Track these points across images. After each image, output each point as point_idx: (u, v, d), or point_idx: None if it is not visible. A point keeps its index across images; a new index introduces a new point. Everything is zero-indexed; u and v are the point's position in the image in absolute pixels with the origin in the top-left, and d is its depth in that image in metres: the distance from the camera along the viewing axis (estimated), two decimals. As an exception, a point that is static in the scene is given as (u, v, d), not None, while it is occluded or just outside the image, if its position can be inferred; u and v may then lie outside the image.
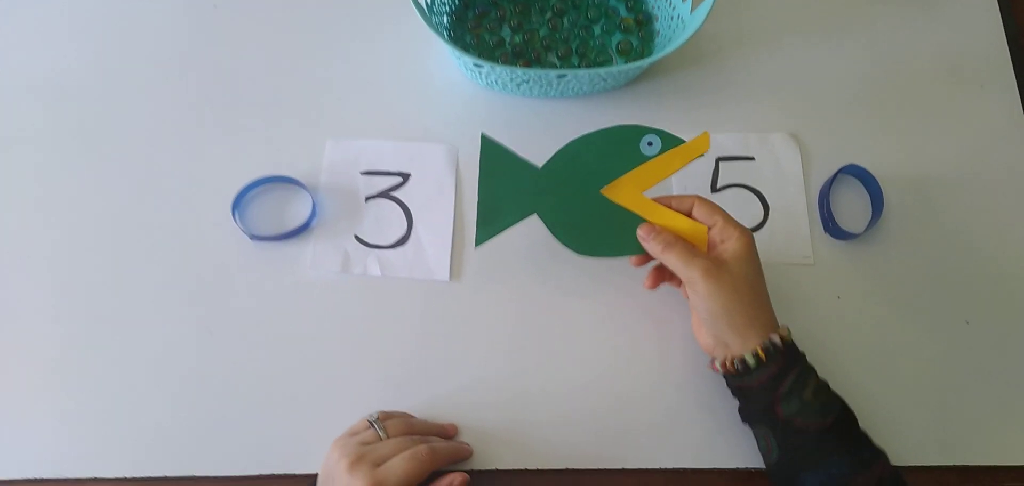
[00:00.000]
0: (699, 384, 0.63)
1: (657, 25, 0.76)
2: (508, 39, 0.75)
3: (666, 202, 0.59)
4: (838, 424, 0.55)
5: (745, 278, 0.56)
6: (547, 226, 0.59)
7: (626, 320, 0.65)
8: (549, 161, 0.60)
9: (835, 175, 0.69)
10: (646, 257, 0.60)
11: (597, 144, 0.59)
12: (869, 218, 0.69)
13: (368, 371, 0.63)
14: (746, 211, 0.69)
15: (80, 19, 0.76)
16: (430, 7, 0.71)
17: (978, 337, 0.65)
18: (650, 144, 0.59)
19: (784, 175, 0.71)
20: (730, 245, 0.56)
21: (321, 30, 0.76)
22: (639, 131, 0.59)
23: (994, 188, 0.71)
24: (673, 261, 0.57)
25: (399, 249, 0.68)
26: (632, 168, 0.59)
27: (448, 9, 0.76)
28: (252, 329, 0.64)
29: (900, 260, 0.68)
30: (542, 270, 0.67)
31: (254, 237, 0.67)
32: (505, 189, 0.60)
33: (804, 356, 0.57)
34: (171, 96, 0.72)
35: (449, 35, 0.75)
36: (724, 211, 0.58)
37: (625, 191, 0.59)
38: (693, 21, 0.68)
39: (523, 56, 0.74)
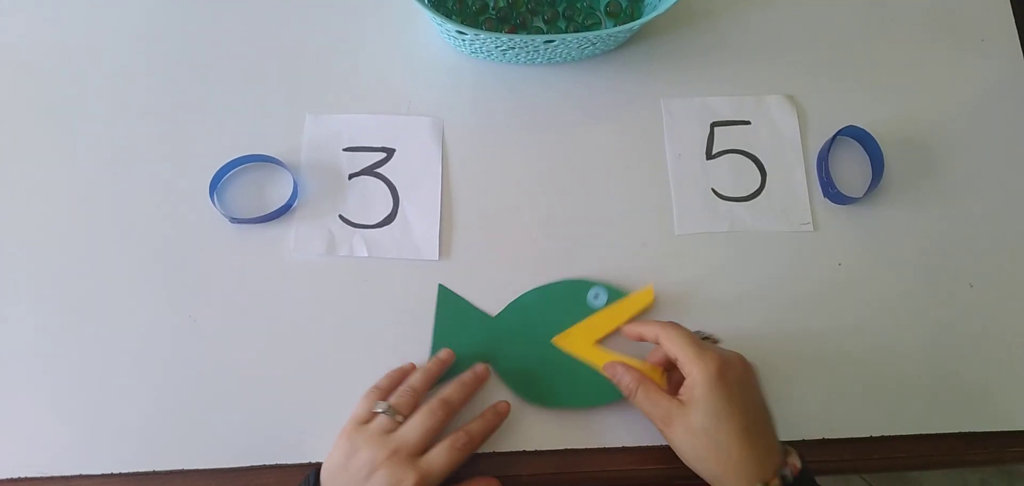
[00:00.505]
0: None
1: (647, -15, 0.73)
2: (492, 4, 0.73)
3: (637, 334, 0.57)
4: None
5: (715, 417, 0.50)
6: (501, 375, 0.60)
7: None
8: (503, 312, 0.62)
9: (834, 137, 0.67)
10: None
11: (548, 297, 0.62)
12: (869, 181, 0.67)
13: (357, 354, 0.61)
14: (742, 178, 0.67)
15: (45, -5, 0.72)
16: (410, -27, 0.68)
17: (982, 300, 0.64)
18: (596, 297, 0.62)
19: (781, 139, 0.68)
20: (690, 384, 0.52)
21: (298, 1, 0.72)
22: (585, 285, 0.62)
23: (997, 146, 0.69)
24: (641, 406, 0.54)
25: (385, 228, 0.65)
26: (581, 319, 0.61)
27: (429, -26, 0.73)
28: (235, 315, 0.62)
29: (902, 224, 0.66)
30: (532, 245, 0.65)
31: (234, 220, 0.64)
32: (460, 338, 0.61)
33: None
34: (141, 71, 0.69)
35: (429, 2, 0.72)
36: (693, 339, 0.53)
37: (576, 341, 0.61)
38: (685, -20, 0.65)
39: (508, 21, 0.72)
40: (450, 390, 0.56)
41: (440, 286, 0.62)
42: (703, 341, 0.54)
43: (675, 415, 0.52)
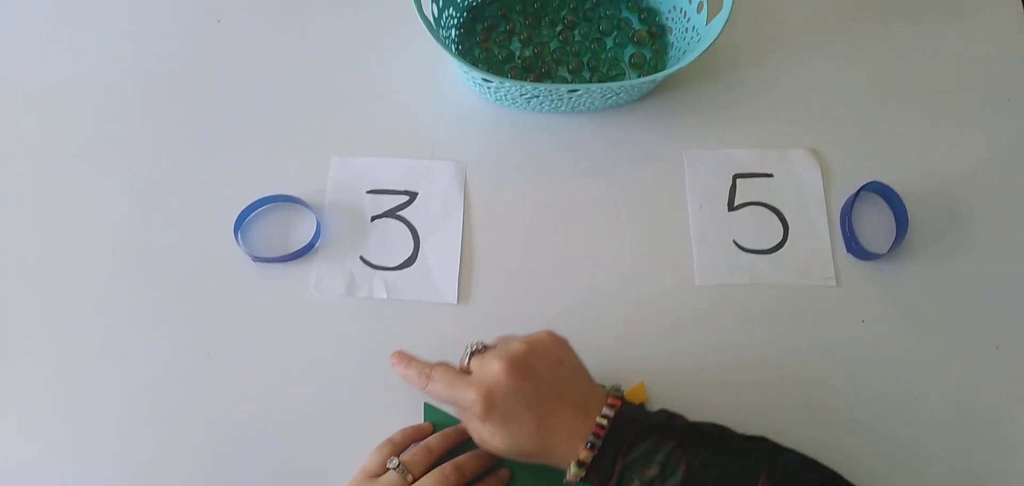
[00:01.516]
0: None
1: (671, 37, 0.73)
2: (518, 53, 0.73)
3: (403, 374, 0.57)
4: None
5: (503, 430, 0.51)
6: None
7: (638, 347, 0.63)
8: None
9: (858, 192, 0.67)
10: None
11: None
12: (893, 237, 0.66)
13: (374, 396, 0.61)
14: (765, 231, 0.67)
15: (83, 30, 0.74)
16: (438, 21, 0.69)
17: (1008, 362, 0.63)
18: None
19: (804, 192, 0.68)
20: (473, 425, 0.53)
21: (326, 46, 0.74)
22: None
23: (1023, 205, 0.68)
24: (438, 396, 0.54)
25: (405, 271, 0.65)
26: None
27: (456, 22, 0.74)
28: (254, 354, 0.62)
29: (927, 282, 0.65)
30: (551, 292, 0.65)
31: (256, 258, 0.65)
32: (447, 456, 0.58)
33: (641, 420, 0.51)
34: (173, 112, 0.71)
35: (457, 49, 0.73)
36: (453, 380, 0.53)
37: None
38: (708, 33, 0.66)
39: (533, 70, 0.72)
40: (465, 458, 0.56)
41: (425, 405, 0.60)
42: (474, 354, 0.54)
43: (477, 430, 0.52)
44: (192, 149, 0.69)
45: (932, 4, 0.77)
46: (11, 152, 0.69)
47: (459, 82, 0.72)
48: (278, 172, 0.68)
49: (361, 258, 0.66)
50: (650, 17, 0.75)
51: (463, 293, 0.64)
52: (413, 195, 0.68)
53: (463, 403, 0.52)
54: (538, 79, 0.72)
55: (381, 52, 0.74)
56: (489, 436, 0.51)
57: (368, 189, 0.68)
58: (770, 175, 0.69)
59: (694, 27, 0.70)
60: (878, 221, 0.68)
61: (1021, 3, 0.77)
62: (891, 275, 0.65)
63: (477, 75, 0.64)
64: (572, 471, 0.49)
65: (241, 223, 0.66)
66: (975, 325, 0.64)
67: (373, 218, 0.67)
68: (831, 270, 0.65)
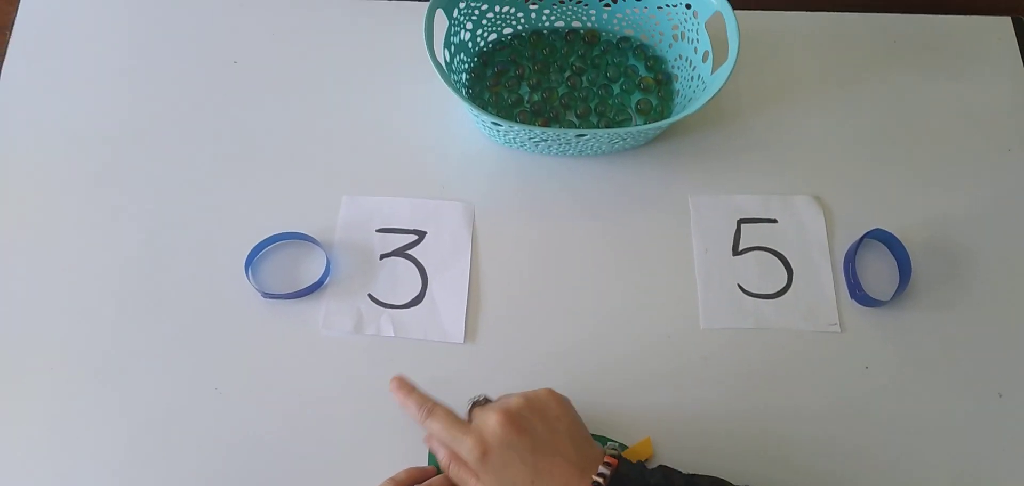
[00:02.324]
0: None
1: (677, 85, 0.75)
2: (527, 97, 0.75)
3: (401, 402, 0.58)
4: None
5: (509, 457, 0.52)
6: None
7: (643, 388, 0.64)
8: None
9: (861, 239, 0.67)
10: None
11: None
12: (896, 285, 0.67)
13: (381, 434, 0.61)
14: (769, 275, 0.68)
15: (102, 70, 0.76)
16: (449, 65, 0.71)
17: (1011, 411, 0.63)
18: None
19: (808, 239, 0.69)
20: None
21: (339, 87, 0.75)
22: None
23: (1026, 255, 0.69)
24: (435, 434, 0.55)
25: (413, 309, 0.66)
26: None
27: (467, 67, 0.75)
28: (262, 389, 0.63)
29: (929, 329, 0.66)
30: (558, 333, 0.65)
31: (266, 295, 0.66)
32: None
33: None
34: (188, 150, 0.72)
35: (468, 93, 0.75)
36: (452, 425, 0.54)
37: None
38: (713, 82, 0.67)
39: (542, 114, 0.74)
40: None
41: (430, 454, 0.60)
42: (476, 405, 0.56)
43: (468, 481, 0.54)
44: (206, 186, 0.71)
45: (934, 57, 0.78)
46: (31, 187, 0.70)
47: (469, 125, 0.74)
48: (290, 210, 0.69)
49: (369, 296, 0.67)
50: (656, 65, 0.76)
51: (470, 332, 0.65)
52: (422, 234, 0.69)
53: (459, 448, 0.53)
54: (546, 123, 0.73)
55: (393, 94, 0.75)
56: (482, 484, 0.52)
57: (378, 228, 0.69)
58: (774, 221, 0.70)
59: (700, 76, 0.71)
60: (881, 268, 0.68)
61: (1021, 57, 0.78)
62: (894, 322, 0.66)
63: (487, 119, 0.65)
64: None
65: (252, 259, 0.67)
66: (978, 373, 0.64)
67: (382, 256, 0.68)
68: (835, 316, 0.66)
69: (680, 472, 0.53)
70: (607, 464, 0.51)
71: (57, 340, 0.64)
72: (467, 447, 0.52)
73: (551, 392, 0.55)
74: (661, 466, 0.54)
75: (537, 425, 0.53)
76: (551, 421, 0.53)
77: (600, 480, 0.50)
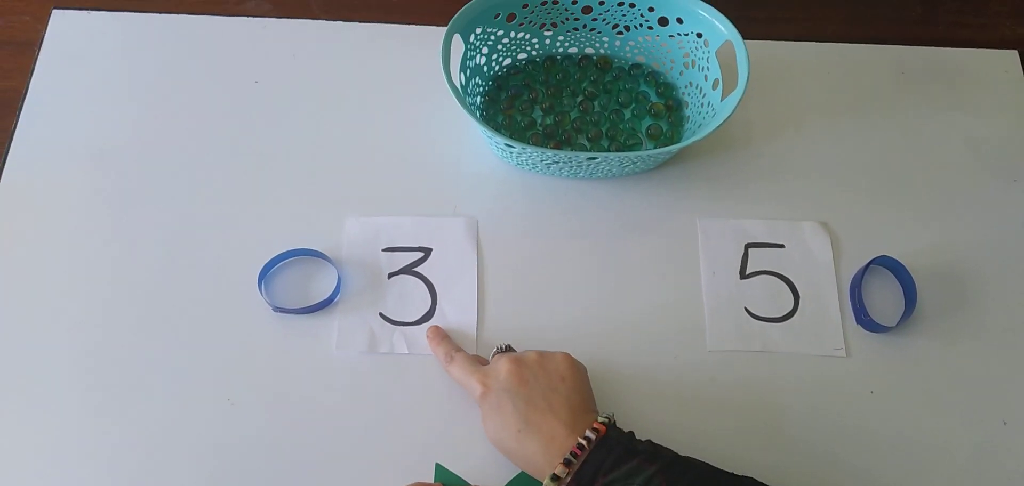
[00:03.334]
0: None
1: (687, 111, 0.76)
2: (539, 121, 0.77)
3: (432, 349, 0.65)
4: None
5: (495, 425, 0.56)
6: None
7: (652, 402, 0.64)
8: None
9: (867, 266, 0.68)
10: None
11: None
12: (902, 311, 0.68)
13: (394, 449, 0.62)
14: (776, 299, 0.68)
15: (126, 87, 0.78)
16: (464, 88, 0.73)
17: (1016, 438, 0.64)
18: None
19: (815, 264, 0.70)
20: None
21: (356, 108, 0.77)
22: None
23: (1031, 285, 0.70)
24: (454, 379, 0.62)
25: (424, 325, 0.67)
26: None
27: (481, 90, 0.77)
28: (274, 401, 0.64)
29: (934, 355, 0.66)
30: (571, 343, 0.66)
31: (277, 309, 0.67)
32: None
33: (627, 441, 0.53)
34: (208, 166, 0.74)
35: (481, 115, 0.76)
36: (468, 367, 0.60)
37: None
38: (723, 109, 0.69)
39: (554, 138, 0.75)
40: None
41: (437, 466, 0.62)
42: (498, 352, 0.62)
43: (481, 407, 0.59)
44: (224, 201, 0.72)
45: (941, 89, 0.80)
46: (52, 200, 0.72)
47: (482, 146, 0.75)
48: (303, 226, 0.71)
49: (380, 314, 0.68)
50: (667, 91, 0.78)
51: (482, 346, 0.66)
52: (428, 251, 0.70)
53: (468, 386, 0.59)
54: (558, 146, 0.75)
55: (408, 116, 0.77)
56: (482, 419, 0.58)
57: (384, 247, 0.71)
58: (781, 246, 0.71)
59: (710, 102, 0.73)
60: (887, 295, 0.69)
61: (1026, 90, 0.80)
62: (900, 348, 0.67)
63: (500, 140, 0.67)
64: (545, 484, 0.52)
65: (265, 274, 0.69)
66: (982, 400, 0.65)
67: (390, 275, 0.70)
68: (841, 341, 0.67)
69: (671, 449, 0.54)
70: (595, 429, 0.53)
71: (73, 350, 0.66)
72: (474, 385, 0.59)
73: (567, 356, 0.59)
74: (650, 439, 0.55)
75: (541, 380, 0.57)
76: (554, 381, 0.57)
77: (585, 442, 0.52)
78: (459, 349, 0.63)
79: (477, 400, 0.58)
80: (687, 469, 0.52)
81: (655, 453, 0.53)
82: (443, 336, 0.65)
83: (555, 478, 0.51)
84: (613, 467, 0.51)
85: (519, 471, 0.61)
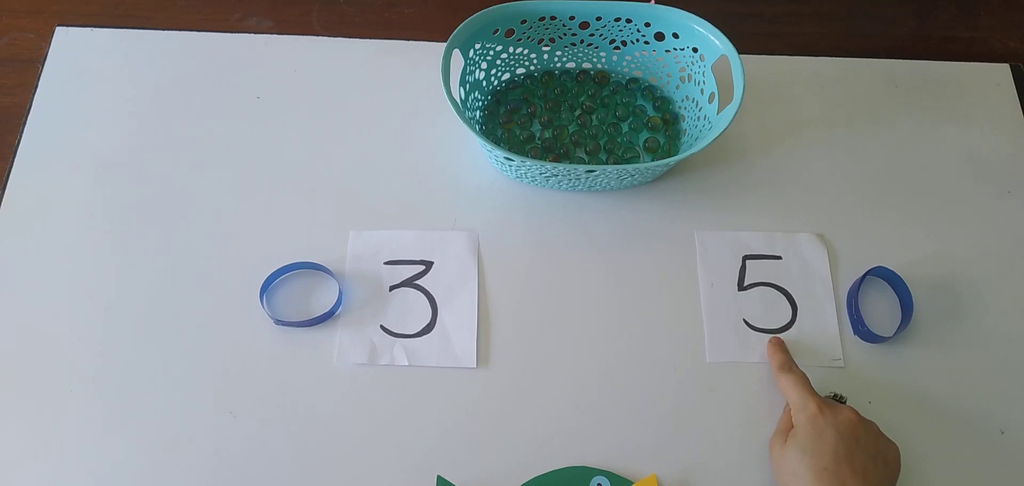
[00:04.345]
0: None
1: (684, 125, 0.77)
2: (538, 134, 0.77)
3: (774, 365, 0.64)
4: None
5: (800, 452, 0.56)
6: None
7: (652, 415, 0.65)
8: None
9: (863, 277, 0.69)
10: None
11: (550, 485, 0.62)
12: (899, 321, 0.68)
13: (395, 461, 0.63)
14: (773, 311, 0.69)
15: (129, 102, 0.78)
16: (464, 102, 0.74)
17: (1012, 447, 0.64)
18: (599, 485, 0.62)
19: (812, 275, 0.71)
20: (794, 426, 0.59)
21: (358, 123, 0.78)
22: (588, 472, 0.62)
23: (1025, 295, 0.70)
24: (782, 388, 0.62)
25: (425, 337, 0.68)
26: None
27: (480, 104, 0.78)
28: (276, 414, 0.64)
29: (932, 366, 0.67)
30: (566, 364, 0.67)
31: (278, 322, 0.67)
32: None
33: None
34: (210, 180, 0.74)
35: (481, 129, 0.77)
36: (802, 385, 0.60)
37: None
38: (719, 122, 0.70)
39: (552, 151, 0.76)
40: None
41: (438, 477, 0.62)
42: (827, 398, 0.61)
43: (781, 437, 0.59)
44: (225, 214, 0.73)
45: (935, 102, 0.81)
46: (56, 214, 0.72)
47: (481, 160, 0.76)
48: (305, 240, 0.71)
49: (381, 327, 0.68)
50: (664, 105, 0.79)
51: (482, 357, 0.67)
52: (429, 264, 0.71)
53: (800, 401, 0.59)
54: (557, 159, 0.76)
55: (408, 131, 0.77)
56: (792, 433, 0.58)
57: (385, 260, 0.71)
58: (779, 257, 0.71)
59: (706, 116, 0.73)
60: (884, 305, 0.70)
61: (1020, 103, 0.80)
62: (897, 358, 0.67)
63: (500, 154, 0.67)
64: None
65: (267, 287, 0.69)
66: (979, 410, 0.65)
67: (391, 288, 0.70)
68: (839, 351, 0.67)
69: None
70: None
71: (76, 363, 0.66)
72: (809, 403, 0.58)
73: (897, 450, 0.59)
74: None
75: (870, 449, 0.57)
76: (879, 460, 0.57)
77: None
78: (797, 367, 0.63)
79: (803, 418, 0.58)
80: None
81: None
82: (784, 347, 0.66)
83: None
84: None
85: (521, 484, 0.61)
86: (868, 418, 0.59)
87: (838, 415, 0.57)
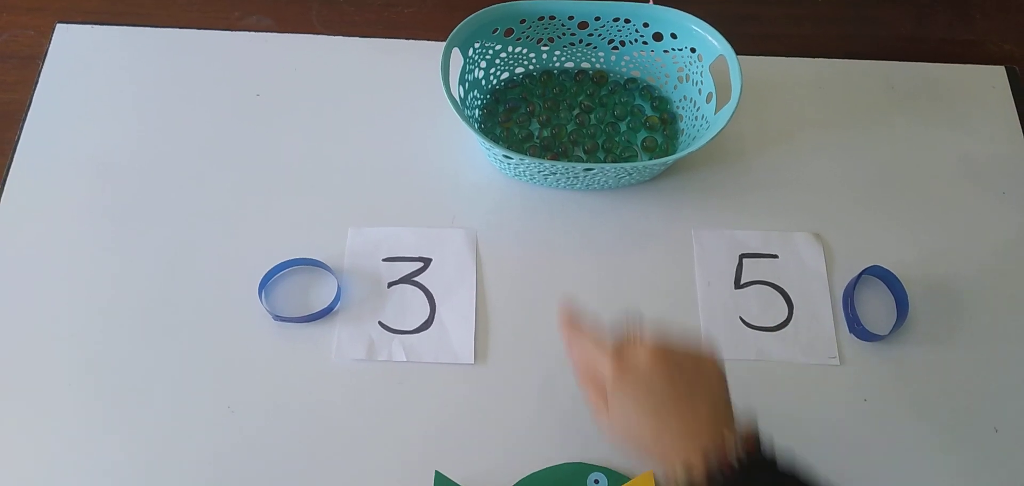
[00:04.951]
0: None
1: (681, 124, 0.78)
2: (536, 133, 0.78)
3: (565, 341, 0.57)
4: None
5: (621, 408, 0.51)
6: None
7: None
8: None
9: (859, 276, 0.69)
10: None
11: (546, 483, 0.61)
12: (894, 320, 0.69)
13: (393, 457, 0.63)
14: (770, 309, 0.69)
15: (129, 99, 0.79)
16: (463, 101, 0.74)
17: (1007, 445, 0.64)
18: (597, 482, 0.61)
19: (808, 274, 0.71)
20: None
21: (357, 121, 0.78)
22: (585, 469, 0.62)
23: (1020, 294, 0.71)
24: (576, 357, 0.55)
25: (423, 334, 0.68)
26: None
27: (479, 103, 0.78)
28: (274, 409, 0.65)
29: (927, 364, 0.67)
30: (564, 361, 0.67)
31: (277, 318, 0.68)
32: None
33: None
34: (210, 177, 0.75)
35: (480, 128, 0.77)
36: (592, 344, 0.54)
37: None
38: (716, 122, 0.70)
39: (551, 150, 0.77)
40: None
41: (437, 473, 0.62)
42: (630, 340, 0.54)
43: (601, 402, 0.52)
44: (225, 211, 0.73)
45: (931, 103, 0.81)
46: (55, 211, 0.72)
47: (480, 158, 0.76)
48: (303, 236, 0.72)
49: (379, 323, 0.69)
50: (662, 105, 0.79)
51: (479, 354, 0.67)
52: (427, 261, 0.71)
53: (599, 364, 0.52)
54: (555, 158, 0.76)
55: (407, 129, 0.78)
56: (609, 407, 0.51)
57: (384, 257, 0.71)
58: (775, 256, 0.72)
59: (703, 116, 0.74)
60: (879, 304, 0.70)
61: (1014, 104, 0.81)
62: (892, 356, 0.68)
63: (499, 152, 0.68)
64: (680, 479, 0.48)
65: (265, 283, 0.69)
66: (974, 408, 0.66)
67: (390, 284, 0.70)
68: (835, 350, 0.68)
69: None
70: (746, 446, 0.48)
71: (75, 359, 0.66)
72: (606, 365, 0.51)
73: (714, 355, 0.53)
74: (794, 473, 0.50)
75: (687, 373, 0.51)
76: (698, 381, 0.51)
77: (735, 463, 0.47)
78: (585, 330, 0.55)
79: (609, 382, 0.51)
80: None
81: None
82: (574, 315, 0.57)
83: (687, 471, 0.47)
84: None
85: (518, 479, 0.62)
86: (666, 344, 0.53)
87: (639, 364, 0.51)
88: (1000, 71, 0.83)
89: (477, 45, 0.74)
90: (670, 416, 0.50)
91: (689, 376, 0.51)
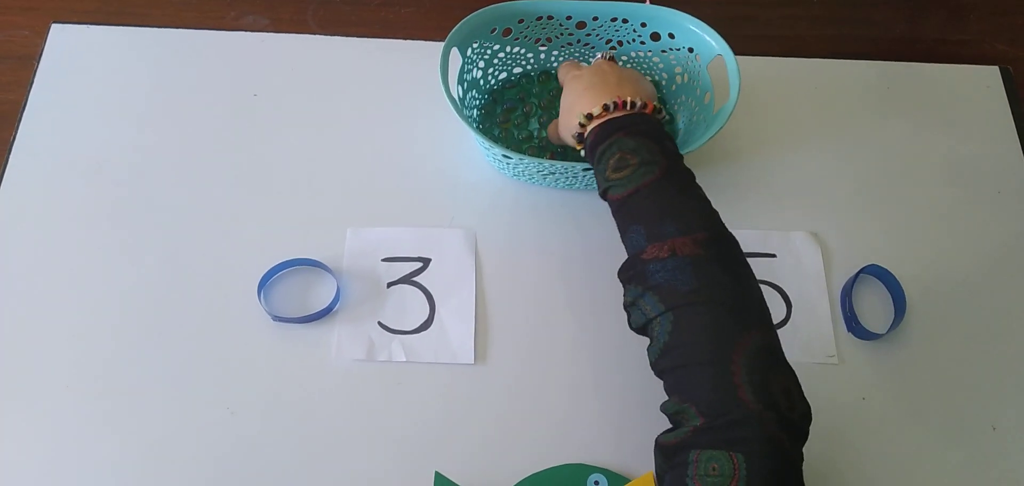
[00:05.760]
0: None
1: (679, 124, 0.78)
2: (535, 133, 0.78)
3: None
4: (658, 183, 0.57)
5: (566, 91, 0.65)
6: None
7: (647, 412, 0.65)
8: None
9: (857, 275, 0.70)
10: None
11: (545, 482, 0.62)
12: (892, 318, 0.69)
13: (393, 457, 0.63)
14: (769, 308, 0.69)
15: (126, 100, 0.78)
16: (461, 101, 0.74)
17: (1005, 443, 0.65)
18: (596, 482, 0.62)
19: (806, 273, 0.71)
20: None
21: (355, 121, 0.78)
22: (585, 470, 0.62)
23: (1017, 293, 0.71)
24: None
25: (422, 334, 0.68)
26: None
27: (478, 104, 0.78)
28: (273, 410, 0.64)
29: (925, 362, 0.68)
30: (563, 360, 0.67)
31: (276, 318, 0.67)
32: None
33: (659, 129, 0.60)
34: (208, 177, 0.74)
35: (478, 128, 0.77)
36: (571, 66, 0.69)
37: None
38: (714, 122, 0.70)
39: (549, 149, 0.77)
40: None
41: (437, 473, 0.62)
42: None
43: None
44: (223, 212, 0.73)
45: (927, 103, 0.82)
46: (52, 211, 0.72)
47: (478, 159, 0.76)
48: (302, 237, 0.72)
49: (379, 323, 0.68)
50: (660, 105, 0.79)
51: (479, 353, 0.67)
52: (427, 261, 0.71)
53: (569, 74, 0.67)
54: (554, 158, 0.76)
55: (405, 129, 0.78)
56: (561, 99, 0.67)
57: (383, 257, 0.71)
58: (773, 255, 0.72)
59: (701, 115, 0.74)
60: (877, 303, 0.71)
61: (1008, 104, 0.81)
62: (890, 355, 0.68)
63: (498, 152, 0.68)
64: (578, 119, 0.61)
65: (264, 284, 0.69)
66: (972, 406, 0.66)
67: (389, 284, 0.70)
68: (833, 348, 0.68)
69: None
70: (645, 106, 0.61)
71: (73, 360, 0.66)
72: (571, 70, 0.68)
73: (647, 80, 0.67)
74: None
75: (627, 74, 0.65)
76: (636, 78, 0.65)
77: (631, 108, 0.60)
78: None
79: (566, 82, 0.66)
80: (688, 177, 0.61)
81: (674, 154, 0.60)
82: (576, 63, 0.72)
83: (588, 116, 0.60)
84: (633, 135, 0.58)
85: (518, 480, 0.62)
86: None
87: (595, 63, 0.67)
88: (994, 71, 0.84)
89: (475, 45, 0.74)
90: (599, 89, 0.62)
91: (629, 75, 0.64)
